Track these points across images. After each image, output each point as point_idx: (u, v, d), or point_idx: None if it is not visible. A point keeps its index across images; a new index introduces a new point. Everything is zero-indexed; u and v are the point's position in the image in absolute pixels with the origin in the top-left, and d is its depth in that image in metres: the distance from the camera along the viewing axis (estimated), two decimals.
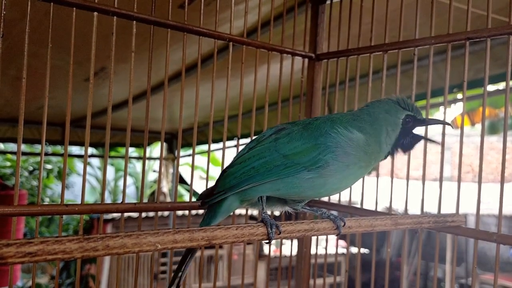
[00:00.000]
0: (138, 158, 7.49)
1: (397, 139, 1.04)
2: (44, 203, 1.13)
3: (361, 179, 1.41)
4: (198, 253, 5.72)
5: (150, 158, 7.47)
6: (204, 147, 5.68)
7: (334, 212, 1.09)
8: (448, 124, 1.10)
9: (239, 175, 1.00)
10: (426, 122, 1.07)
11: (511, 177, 8.05)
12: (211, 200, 1.05)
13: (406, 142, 1.05)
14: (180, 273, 1.08)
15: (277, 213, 1.80)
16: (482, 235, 1.08)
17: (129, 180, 9.89)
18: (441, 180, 1.21)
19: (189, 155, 5.91)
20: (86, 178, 1.17)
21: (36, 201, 1.11)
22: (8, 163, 7.88)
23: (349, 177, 0.99)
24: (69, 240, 0.65)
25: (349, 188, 1.43)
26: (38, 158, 7.87)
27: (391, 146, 1.04)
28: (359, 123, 1.02)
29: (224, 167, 1.09)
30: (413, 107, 1.06)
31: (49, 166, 8.09)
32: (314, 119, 1.05)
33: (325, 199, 1.54)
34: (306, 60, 1.60)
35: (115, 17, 1.19)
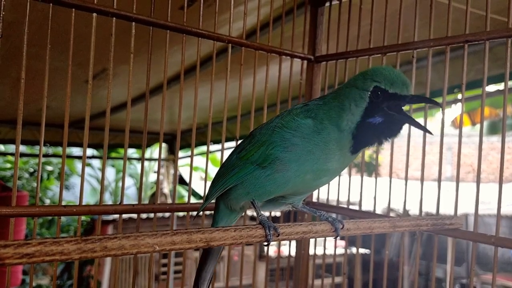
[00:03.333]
0: (139, 159, 7.49)
1: (364, 117, 0.88)
2: (43, 204, 1.13)
3: (360, 178, 1.41)
4: (196, 254, 5.70)
5: (150, 159, 7.46)
6: (204, 147, 5.69)
7: (333, 215, 1.09)
8: (436, 103, 0.91)
9: (212, 184, 1.05)
10: (407, 99, 0.87)
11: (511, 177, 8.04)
12: (200, 210, 1.12)
13: (378, 122, 0.87)
14: (200, 279, 1.10)
15: (278, 213, 1.80)
16: (480, 237, 1.08)
17: (130, 181, 9.90)
18: (439, 181, 1.20)
19: (189, 156, 5.91)
20: (84, 179, 1.17)
21: (35, 203, 1.11)
22: (9, 165, 7.89)
23: (310, 170, 0.91)
24: (67, 241, 0.66)
25: (348, 189, 1.44)
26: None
27: (353, 126, 0.88)
28: (313, 108, 0.93)
29: None
30: (386, 77, 0.87)
31: (49, 168, 8.09)
32: (275, 116, 1.01)
33: (324, 200, 1.54)
34: (305, 62, 1.60)
35: (114, 18, 1.19)
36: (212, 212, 1.14)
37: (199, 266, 1.10)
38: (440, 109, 1.16)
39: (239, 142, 1.47)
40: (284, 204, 1.06)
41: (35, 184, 7.36)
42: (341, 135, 0.90)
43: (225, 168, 1.03)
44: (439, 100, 1.22)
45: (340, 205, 1.47)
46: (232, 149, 1.10)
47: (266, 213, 1.54)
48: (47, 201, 7.98)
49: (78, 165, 9.13)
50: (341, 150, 0.91)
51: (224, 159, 1.43)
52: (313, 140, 0.90)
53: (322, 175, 0.94)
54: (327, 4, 1.59)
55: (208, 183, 1.48)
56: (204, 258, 1.09)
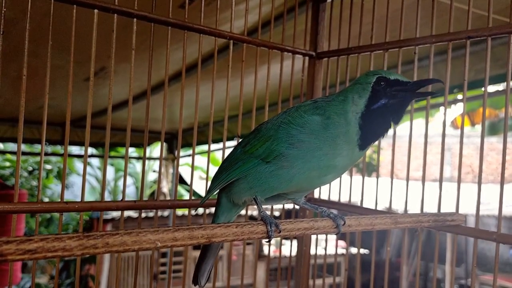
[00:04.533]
0: (138, 158, 7.49)
1: (368, 107, 0.92)
2: (44, 201, 1.13)
3: (361, 178, 1.41)
4: (195, 253, 5.69)
5: (150, 158, 7.46)
6: (205, 147, 5.68)
7: (334, 211, 1.09)
8: (439, 80, 0.95)
9: (215, 177, 1.05)
10: (409, 84, 0.92)
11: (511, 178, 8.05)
12: (202, 202, 1.12)
13: (381, 105, 0.91)
14: (199, 271, 1.10)
15: (276, 213, 1.80)
16: (482, 234, 1.08)
17: (129, 180, 9.89)
18: (441, 180, 1.20)
19: (189, 155, 5.91)
20: (86, 176, 1.17)
21: (36, 200, 1.11)
22: (8, 163, 7.87)
23: (316, 167, 0.92)
24: (69, 237, 0.65)
25: (349, 188, 1.44)
26: (37, 158, 7.86)
27: (359, 116, 0.92)
28: (321, 105, 0.95)
29: None
30: (387, 71, 0.95)
31: (48, 166, 8.07)
32: (282, 112, 1.01)
33: (325, 197, 1.54)
34: (307, 58, 1.60)
35: (115, 14, 1.19)
36: (213, 211, 1.14)
37: (199, 258, 1.11)
38: (439, 109, 1.17)
39: (240, 140, 1.48)
40: (285, 199, 1.06)
41: (34, 183, 7.35)
42: (348, 127, 0.92)
43: (229, 161, 1.03)
44: (440, 99, 1.22)
45: (341, 202, 1.46)
46: (232, 148, 1.10)
47: (267, 211, 1.54)
48: (46, 200, 7.97)
49: (77, 163, 9.13)
50: (349, 144, 0.92)
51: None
52: (320, 136, 0.91)
53: (328, 172, 0.94)
54: (329, 0, 1.59)
55: (209, 183, 1.48)
56: (204, 251, 1.10)
